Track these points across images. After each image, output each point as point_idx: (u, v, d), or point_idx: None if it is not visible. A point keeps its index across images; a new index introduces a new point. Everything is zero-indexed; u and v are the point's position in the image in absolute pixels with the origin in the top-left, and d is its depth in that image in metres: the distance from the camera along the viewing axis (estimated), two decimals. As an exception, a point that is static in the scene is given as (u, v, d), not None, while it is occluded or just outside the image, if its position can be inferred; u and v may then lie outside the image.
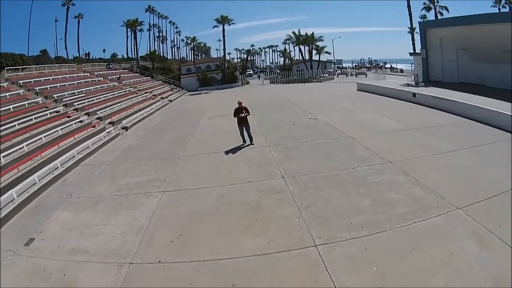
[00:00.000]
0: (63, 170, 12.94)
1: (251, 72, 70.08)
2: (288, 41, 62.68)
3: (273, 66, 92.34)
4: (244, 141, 14.21)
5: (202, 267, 6.25)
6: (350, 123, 16.66)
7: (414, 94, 21.53)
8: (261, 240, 6.90)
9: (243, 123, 14.01)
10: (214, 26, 52.77)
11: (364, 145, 12.74)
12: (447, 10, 50.49)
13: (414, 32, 49.13)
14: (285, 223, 7.53)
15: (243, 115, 13.85)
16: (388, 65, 66.45)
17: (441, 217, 7.32)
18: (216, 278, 5.90)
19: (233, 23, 53.50)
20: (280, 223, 7.55)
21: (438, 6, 50.73)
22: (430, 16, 51.86)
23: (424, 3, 51.45)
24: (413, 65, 35.37)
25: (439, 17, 49.12)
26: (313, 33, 55.55)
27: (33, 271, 6.51)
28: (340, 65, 72.37)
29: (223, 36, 53.41)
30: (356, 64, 78.99)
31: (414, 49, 46.49)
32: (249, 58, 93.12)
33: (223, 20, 51.72)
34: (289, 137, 15.00)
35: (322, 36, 57.56)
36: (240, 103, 14.25)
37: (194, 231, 7.60)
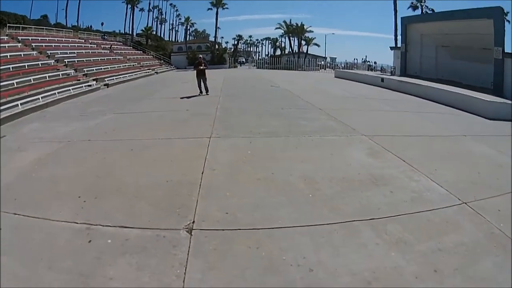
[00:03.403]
0: (43, 103, 14.54)
1: (244, 60, 70.64)
2: (279, 30, 61.82)
3: (266, 57, 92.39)
4: (201, 91, 15.87)
5: (117, 142, 7.95)
6: (306, 90, 18.05)
7: (382, 79, 22.11)
8: (172, 133, 8.56)
9: (201, 75, 15.71)
10: (209, 9, 54.07)
11: (306, 100, 14.17)
12: (433, 12, 47.48)
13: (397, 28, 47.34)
14: (197, 128, 9.13)
15: (201, 67, 15.51)
16: (379, 66, 66.46)
17: (342, 137, 8.14)
18: (122, 147, 7.54)
19: (226, 8, 54.75)
20: (193, 128, 9.18)
21: (424, 6, 49.77)
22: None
23: (412, 2, 50.59)
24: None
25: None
26: (302, 24, 55.65)
27: (-2, 150, 7.97)
28: (332, 62, 72.04)
29: (216, 19, 54.66)
30: (350, 62, 78.44)
31: (396, 44, 45.08)
32: (246, 49, 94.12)
33: (218, 4, 52.90)
34: (242, 94, 16.74)
35: (310, 26, 57.48)
36: (200, 58, 15.99)
37: (126, 129, 9.32)
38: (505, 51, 20.10)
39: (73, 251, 3.63)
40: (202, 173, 5.77)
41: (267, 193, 5.07)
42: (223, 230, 4.05)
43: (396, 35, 48.69)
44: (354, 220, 4.34)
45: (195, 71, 15.78)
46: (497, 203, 4.84)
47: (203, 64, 15.67)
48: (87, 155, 7.01)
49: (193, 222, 4.17)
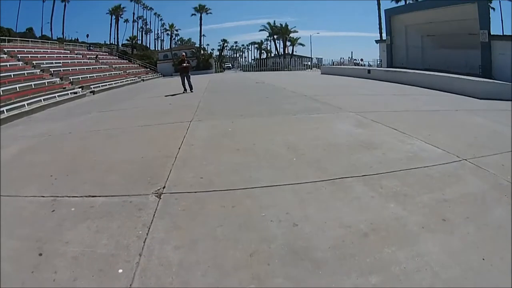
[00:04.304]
0: (29, 109, 14.02)
1: (230, 65, 70.11)
2: (264, 33, 60.77)
3: (252, 61, 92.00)
4: (185, 89, 15.40)
5: (97, 132, 7.56)
6: (291, 84, 17.64)
7: (368, 71, 21.69)
8: (152, 121, 8.13)
9: (184, 72, 15.26)
10: (192, 14, 53.58)
11: (291, 90, 13.90)
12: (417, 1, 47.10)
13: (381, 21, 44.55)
14: (178, 116, 8.69)
15: (185, 64, 15.08)
16: (365, 63, 66.15)
17: (328, 114, 8.02)
18: (101, 135, 7.15)
19: (210, 13, 54.31)
20: (174, 116, 8.76)
21: (408, -1, 47.27)
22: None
23: (394, -6, 47.96)
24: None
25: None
26: (287, 24, 55.17)
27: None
28: (318, 62, 71.67)
29: (200, 25, 54.23)
30: (337, 61, 78.16)
31: (381, 37, 42.09)
32: (232, 55, 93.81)
33: (201, 9, 52.54)
34: (227, 90, 16.52)
35: (295, 26, 57.05)
36: (183, 55, 15.57)
37: (107, 122, 8.91)
38: (491, 33, 19.68)
39: (35, 221, 3.28)
40: (179, 148, 5.41)
41: (247, 160, 4.74)
42: (195, 192, 3.71)
43: (380, 29, 46.44)
44: (344, 177, 3.99)
45: (179, 69, 15.32)
46: (499, 160, 4.49)
47: (186, 62, 15.23)
48: (66, 144, 6.62)
49: (164, 187, 3.82)
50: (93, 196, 3.69)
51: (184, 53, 16.25)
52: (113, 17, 57.09)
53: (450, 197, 3.45)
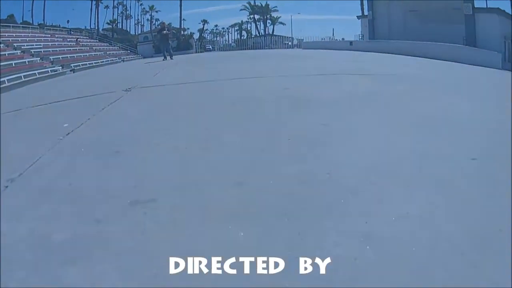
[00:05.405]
0: (9, 85, 13.29)
1: (210, 47, 68.52)
2: (244, 12, 59.16)
3: (233, 43, 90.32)
4: (165, 57, 14.62)
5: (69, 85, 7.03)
6: (271, 53, 16.69)
7: (351, 43, 20.96)
8: (132, 72, 7.93)
9: (164, 40, 14.53)
10: (170, -6, 51.59)
11: (270, 55, 13.25)
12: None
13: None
14: (158, 67, 7.97)
15: (165, 32, 14.34)
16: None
17: (313, 60, 7.94)
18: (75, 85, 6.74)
19: (190, -9, 52.27)
20: (154, 68, 8.05)
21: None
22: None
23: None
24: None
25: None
26: (267, 4, 53.73)
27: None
28: (299, 43, 70.32)
29: (180, 5, 52.33)
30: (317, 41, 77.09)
31: (362, 13, 42.39)
32: (213, 39, 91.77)
33: (181, -11, 50.55)
34: (206, 58, 15.72)
35: (276, 6, 55.44)
36: (163, 23, 14.83)
37: (89, 78, 8.70)
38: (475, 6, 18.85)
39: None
40: (156, 74, 5.06)
41: (227, 72, 4.53)
42: (168, 85, 3.35)
43: (362, 4, 45.88)
44: (336, 74, 3.86)
45: (160, 36, 14.63)
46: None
47: (166, 29, 14.50)
48: (42, 90, 7.22)
49: (135, 86, 3.43)
50: (59, 101, 3.28)
51: (164, 22, 15.46)
52: (94, 2, 54.58)
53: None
